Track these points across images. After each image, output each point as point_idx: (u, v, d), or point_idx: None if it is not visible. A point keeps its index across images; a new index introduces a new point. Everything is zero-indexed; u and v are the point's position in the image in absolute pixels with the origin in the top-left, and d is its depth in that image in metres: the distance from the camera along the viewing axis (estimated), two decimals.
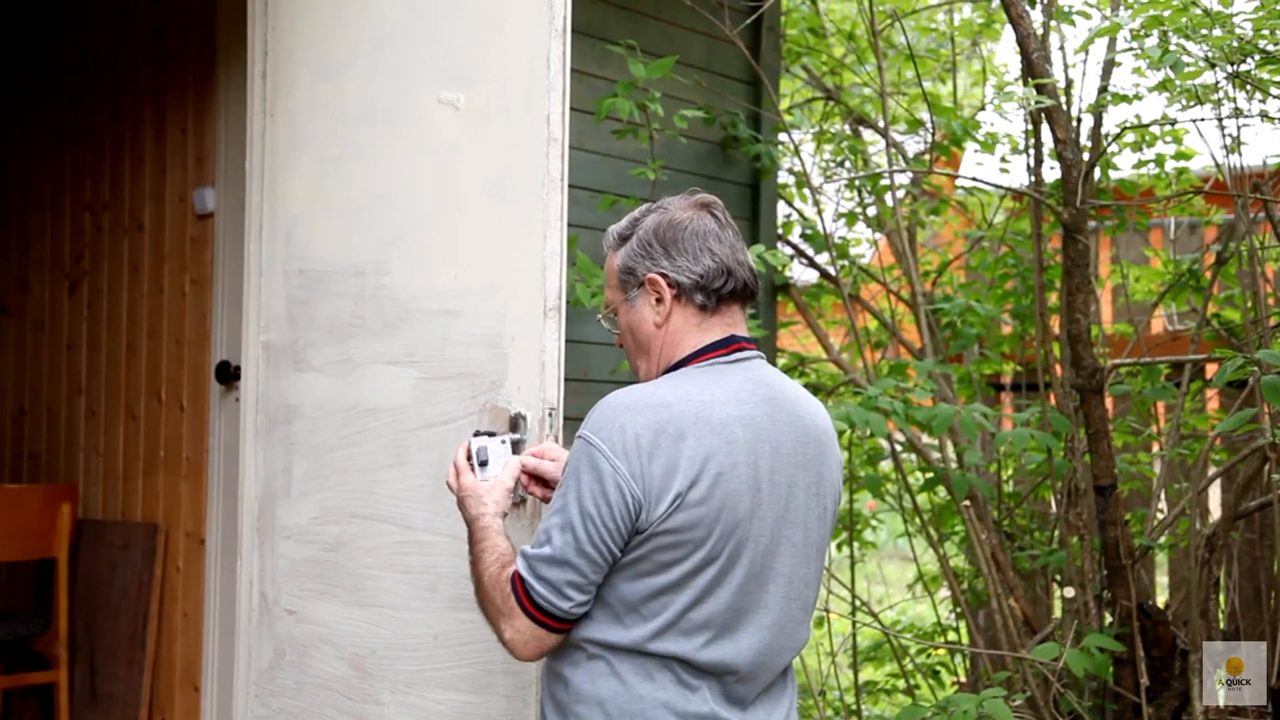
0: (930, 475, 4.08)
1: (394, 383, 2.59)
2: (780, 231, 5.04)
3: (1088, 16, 4.08)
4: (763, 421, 2.02)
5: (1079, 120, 3.85)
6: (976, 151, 4.91)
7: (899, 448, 4.45)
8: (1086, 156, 3.69)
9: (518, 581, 2.00)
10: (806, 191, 5.11)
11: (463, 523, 2.20)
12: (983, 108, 5.46)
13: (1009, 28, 4.05)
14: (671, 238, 2.10)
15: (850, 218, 5.14)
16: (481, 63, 2.51)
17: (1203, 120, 3.63)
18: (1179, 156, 4.40)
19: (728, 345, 2.09)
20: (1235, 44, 3.22)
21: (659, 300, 2.10)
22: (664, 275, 2.09)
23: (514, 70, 2.46)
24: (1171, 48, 3.23)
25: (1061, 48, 4.13)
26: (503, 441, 2.27)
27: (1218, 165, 3.72)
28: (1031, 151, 3.99)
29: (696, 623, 1.97)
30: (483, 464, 2.23)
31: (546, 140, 2.40)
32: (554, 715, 2.04)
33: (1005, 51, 6.79)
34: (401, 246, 2.61)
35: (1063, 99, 3.76)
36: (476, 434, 2.31)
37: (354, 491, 2.65)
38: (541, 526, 2.02)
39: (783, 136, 4.88)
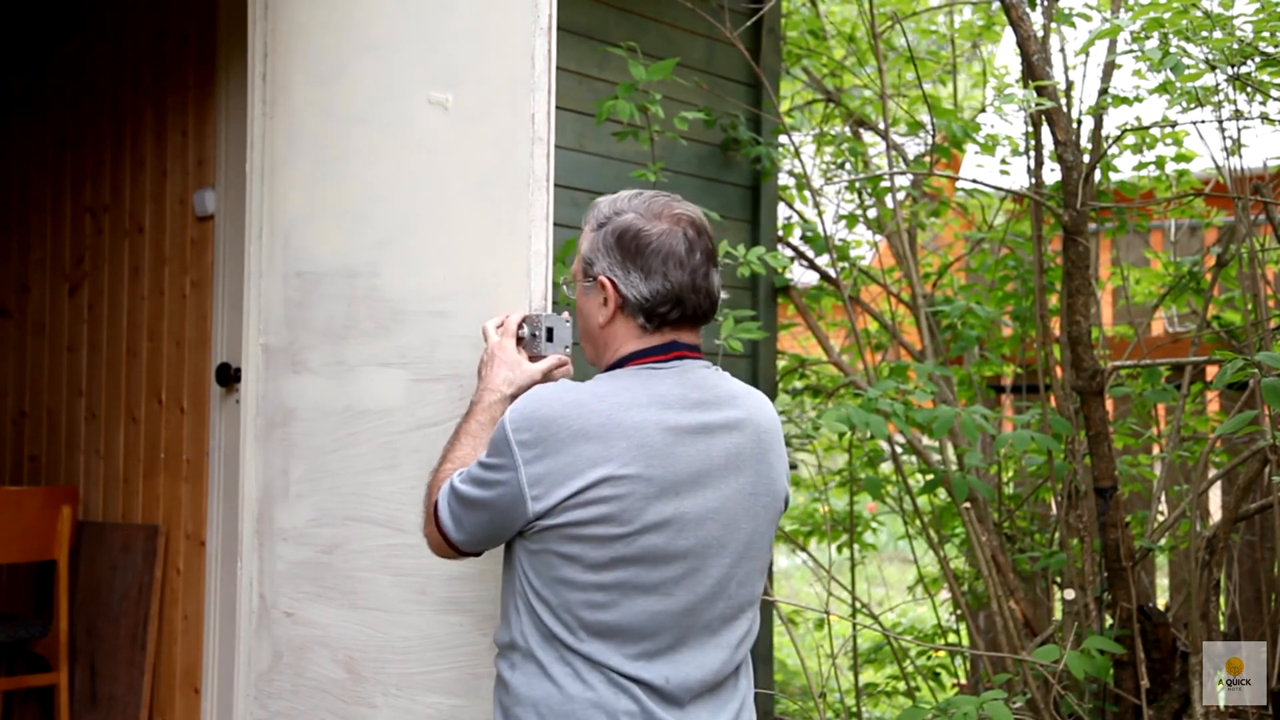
0: (930, 477, 4.07)
1: (386, 385, 2.58)
2: (780, 233, 5.05)
3: (1088, 19, 4.08)
4: (689, 425, 2.01)
5: (1079, 122, 3.85)
6: (977, 153, 4.91)
7: (899, 450, 4.45)
8: (1087, 158, 3.69)
9: (436, 498, 2.09)
10: (807, 193, 5.11)
11: None
12: (983, 110, 5.47)
13: (1009, 30, 4.05)
14: (634, 249, 2.05)
15: (851, 220, 5.14)
16: (469, 63, 2.50)
17: (1203, 122, 3.64)
18: (1179, 159, 4.40)
19: (666, 352, 2.07)
20: (1235, 46, 3.23)
21: (605, 302, 2.08)
22: (614, 283, 2.06)
23: (500, 70, 2.44)
24: (1172, 50, 3.24)
25: (1062, 50, 4.13)
26: (567, 322, 2.29)
27: (1218, 167, 3.72)
28: (1032, 153, 3.99)
29: (613, 624, 1.97)
30: (549, 339, 2.24)
31: (531, 139, 2.39)
32: (500, 719, 2.06)
33: (1006, 53, 6.79)
34: (393, 248, 2.60)
35: (1063, 101, 3.76)
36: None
37: (347, 494, 2.64)
38: (472, 464, 2.07)
39: (783, 138, 4.88)
